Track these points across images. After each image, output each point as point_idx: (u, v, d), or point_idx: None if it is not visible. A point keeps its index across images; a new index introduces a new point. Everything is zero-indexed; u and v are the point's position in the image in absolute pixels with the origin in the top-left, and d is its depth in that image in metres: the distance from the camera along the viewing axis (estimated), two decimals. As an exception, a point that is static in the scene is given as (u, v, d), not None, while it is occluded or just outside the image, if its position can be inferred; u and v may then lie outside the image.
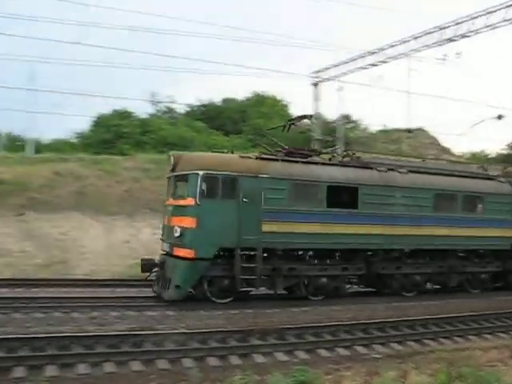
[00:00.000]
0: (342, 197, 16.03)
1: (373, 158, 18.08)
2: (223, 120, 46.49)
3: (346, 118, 44.24)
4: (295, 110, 46.37)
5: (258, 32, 69.30)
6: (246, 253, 14.39)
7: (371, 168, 16.84)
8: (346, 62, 30.68)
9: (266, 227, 14.50)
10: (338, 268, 16.02)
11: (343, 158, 17.77)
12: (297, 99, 73.42)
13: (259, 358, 9.83)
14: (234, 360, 9.65)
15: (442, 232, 17.37)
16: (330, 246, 15.71)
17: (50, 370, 8.52)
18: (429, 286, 18.43)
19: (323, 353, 10.46)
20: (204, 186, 14.08)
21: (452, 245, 17.81)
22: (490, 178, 19.71)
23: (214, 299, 14.36)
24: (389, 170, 17.07)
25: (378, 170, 16.85)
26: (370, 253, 16.57)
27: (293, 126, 17.27)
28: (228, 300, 14.51)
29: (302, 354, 10.24)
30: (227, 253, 14.54)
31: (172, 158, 15.01)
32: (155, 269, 14.94)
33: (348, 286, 16.91)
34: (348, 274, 16.32)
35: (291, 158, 15.69)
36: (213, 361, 9.50)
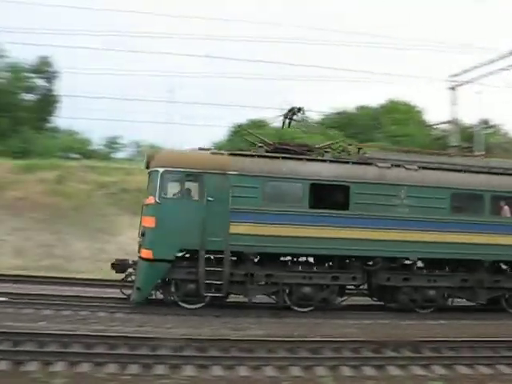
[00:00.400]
0: (331, 196, 14.36)
1: (378, 153, 15.79)
2: (357, 127, 46.06)
3: (486, 123, 42.14)
4: (431, 116, 44.89)
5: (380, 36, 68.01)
6: (213, 256, 13.47)
7: (370, 164, 14.71)
8: (486, 64, 29.24)
9: (234, 229, 13.27)
10: (326, 277, 14.12)
11: (339, 153, 15.58)
12: (431, 104, 70.72)
13: (394, 371, 9.52)
14: (368, 371, 9.44)
15: (460, 239, 14.60)
16: (313, 251, 14.05)
17: (188, 370, 8.85)
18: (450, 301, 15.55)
19: (463, 369, 9.88)
20: (164, 184, 13.39)
21: (474, 254, 14.78)
22: None
23: (183, 304, 13.54)
24: (393, 165, 14.77)
25: (379, 166, 14.62)
26: (370, 261, 14.46)
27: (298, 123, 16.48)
28: (198, 306, 13.57)
29: (438, 369, 9.75)
30: (194, 255, 13.50)
31: (146, 156, 14.49)
32: (130, 269, 14.19)
33: (343, 298, 14.92)
34: (339, 283, 14.28)
35: (270, 154, 14.25)
36: (346, 370, 9.36)
